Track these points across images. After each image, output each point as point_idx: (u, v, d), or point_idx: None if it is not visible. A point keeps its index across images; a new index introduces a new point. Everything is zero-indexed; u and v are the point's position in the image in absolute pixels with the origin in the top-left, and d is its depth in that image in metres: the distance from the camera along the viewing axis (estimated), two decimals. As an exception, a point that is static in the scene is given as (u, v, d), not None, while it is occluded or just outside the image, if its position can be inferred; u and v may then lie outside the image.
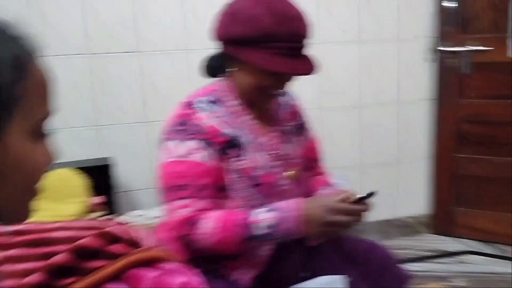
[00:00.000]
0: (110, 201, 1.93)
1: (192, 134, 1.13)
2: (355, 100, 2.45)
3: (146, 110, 2.14)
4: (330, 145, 2.43)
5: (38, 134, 0.54)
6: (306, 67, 1.13)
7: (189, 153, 1.12)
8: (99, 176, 1.92)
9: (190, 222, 1.09)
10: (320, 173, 1.44)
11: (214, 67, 1.24)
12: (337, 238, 1.30)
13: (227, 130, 1.16)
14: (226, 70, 1.21)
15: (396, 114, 2.52)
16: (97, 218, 1.82)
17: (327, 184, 1.38)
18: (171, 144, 1.14)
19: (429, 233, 2.67)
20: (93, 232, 0.67)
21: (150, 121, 2.14)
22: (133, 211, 1.91)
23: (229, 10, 1.14)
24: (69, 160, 2.02)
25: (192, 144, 1.12)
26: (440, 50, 2.43)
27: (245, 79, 1.16)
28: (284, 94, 1.33)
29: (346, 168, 2.49)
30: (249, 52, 1.10)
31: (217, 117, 1.17)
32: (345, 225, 1.10)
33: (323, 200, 1.13)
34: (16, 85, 0.50)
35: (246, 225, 1.09)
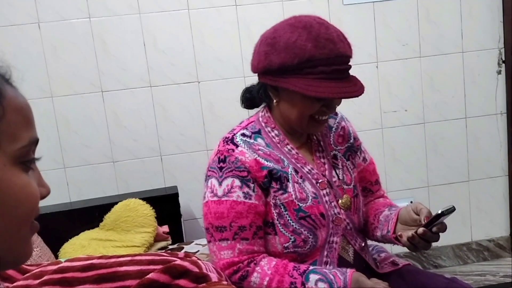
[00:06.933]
0: (176, 230, 1.96)
1: (232, 171, 1.12)
2: (419, 116, 2.35)
3: (208, 138, 2.17)
4: (393, 165, 2.35)
5: (26, 163, 0.52)
6: (353, 89, 1.08)
7: (229, 192, 1.11)
8: (166, 205, 1.95)
9: (235, 269, 1.10)
10: (380, 196, 1.38)
11: (251, 98, 1.25)
12: (408, 272, 1.22)
13: (269, 163, 1.14)
14: (265, 101, 1.22)
15: (465, 129, 2.39)
16: (164, 247, 1.84)
17: (390, 205, 1.31)
18: (212, 181, 1.14)
19: (509, 256, 2.46)
20: (160, 266, 0.67)
21: (210, 149, 2.16)
22: (199, 240, 1.92)
23: (265, 40, 1.11)
24: (136, 191, 2.08)
25: (232, 181, 1.11)
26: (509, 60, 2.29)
27: (289, 109, 1.14)
28: (333, 116, 1.30)
29: (412, 188, 2.38)
30: (291, 80, 1.07)
31: (258, 149, 1.15)
32: None
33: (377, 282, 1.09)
34: None
35: None
